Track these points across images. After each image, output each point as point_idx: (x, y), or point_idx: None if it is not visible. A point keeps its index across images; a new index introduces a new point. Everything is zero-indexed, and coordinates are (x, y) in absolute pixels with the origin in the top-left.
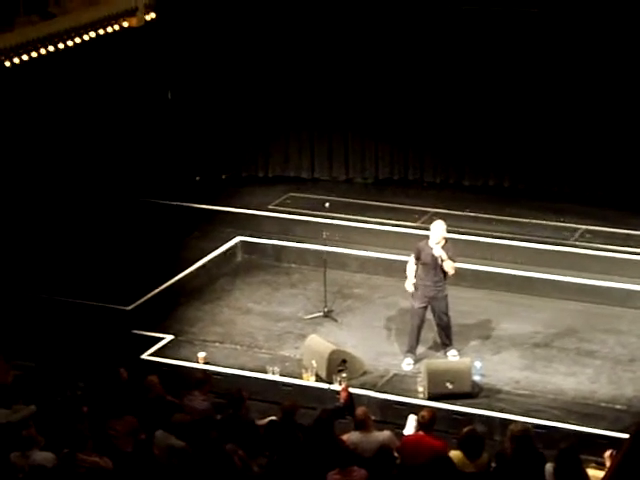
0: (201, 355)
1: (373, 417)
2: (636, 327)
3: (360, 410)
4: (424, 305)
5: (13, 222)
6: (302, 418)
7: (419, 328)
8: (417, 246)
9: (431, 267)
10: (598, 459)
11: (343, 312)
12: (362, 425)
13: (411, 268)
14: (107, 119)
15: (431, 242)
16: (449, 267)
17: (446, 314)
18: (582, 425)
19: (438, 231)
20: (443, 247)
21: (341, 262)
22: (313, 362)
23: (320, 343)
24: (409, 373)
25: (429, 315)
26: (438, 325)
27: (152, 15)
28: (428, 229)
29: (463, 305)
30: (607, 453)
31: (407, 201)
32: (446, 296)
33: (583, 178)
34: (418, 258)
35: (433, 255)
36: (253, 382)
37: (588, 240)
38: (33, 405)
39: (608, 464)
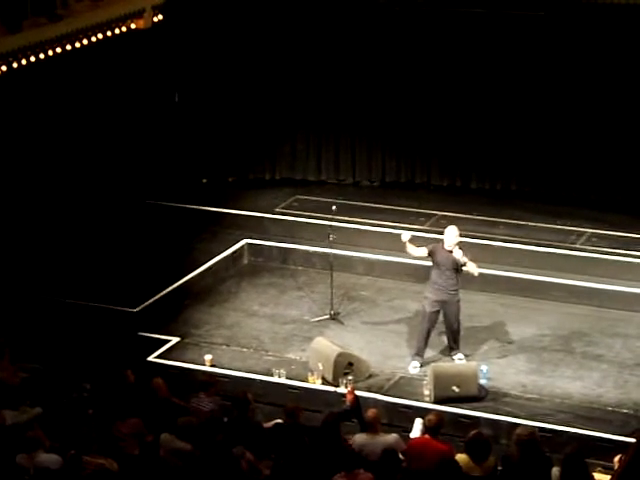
0: (207, 357)
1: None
2: None
3: (371, 412)
4: (436, 309)
5: (21, 224)
6: (308, 421)
7: (429, 332)
8: (432, 245)
9: (445, 269)
10: (604, 463)
11: (349, 315)
12: (371, 426)
13: (414, 248)
14: (114, 121)
15: (446, 246)
16: (474, 268)
17: (457, 319)
18: (588, 429)
19: (451, 236)
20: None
21: (348, 265)
22: (319, 365)
23: (326, 346)
24: (415, 376)
25: (439, 318)
26: (448, 329)
27: (159, 17)
28: (434, 232)
29: (470, 308)
30: (616, 458)
31: (414, 204)
32: (459, 301)
33: (590, 182)
34: (430, 255)
35: (448, 258)
36: (259, 385)
37: (595, 244)
38: (39, 407)
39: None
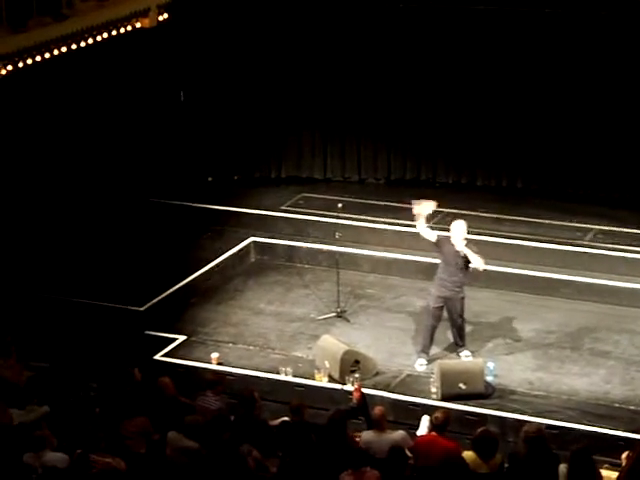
0: (214, 356)
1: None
2: None
3: (378, 409)
4: (440, 305)
5: (27, 223)
6: (315, 419)
7: (433, 328)
8: (440, 237)
9: (451, 264)
10: (612, 460)
11: (356, 312)
12: (377, 424)
13: (426, 229)
14: (120, 120)
15: (452, 241)
16: (479, 263)
17: (461, 316)
18: (596, 426)
19: (459, 230)
20: (466, 246)
21: (354, 262)
22: (326, 363)
23: (333, 343)
24: (422, 373)
25: (444, 315)
26: (452, 326)
27: (165, 16)
28: (440, 229)
29: (476, 305)
30: (624, 454)
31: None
32: (463, 298)
33: (596, 179)
34: (436, 245)
35: (454, 253)
36: (266, 383)
37: (601, 240)
38: (46, 406)
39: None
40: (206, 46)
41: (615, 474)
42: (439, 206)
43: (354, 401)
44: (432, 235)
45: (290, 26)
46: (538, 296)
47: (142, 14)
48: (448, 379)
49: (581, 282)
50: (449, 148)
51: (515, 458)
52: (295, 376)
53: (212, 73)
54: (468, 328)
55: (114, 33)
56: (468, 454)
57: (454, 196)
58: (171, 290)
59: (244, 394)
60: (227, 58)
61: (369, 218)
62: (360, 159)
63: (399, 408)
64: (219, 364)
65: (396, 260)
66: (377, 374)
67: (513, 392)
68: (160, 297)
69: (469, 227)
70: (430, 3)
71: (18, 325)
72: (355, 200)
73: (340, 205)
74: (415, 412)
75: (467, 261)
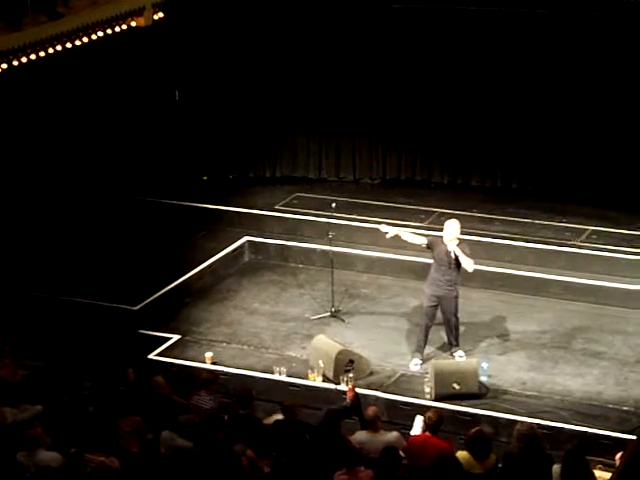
0: (208, 355)
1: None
2: None
3: (371, 410)
4: (434, 304)
5: (21, 221)
6: (309, 418)
7: (428, 328)
8: (434, 238)
9: (444, 264)
10: (605, 460)
11: (350, 312)
12: (371, 425)
13: (412, 236)
14: (114, 119)
15: (445, 240)
16: (468, 264)
17: (455, 315)
18: (589, 426)
19: (451, 230)
20: (458, 246)
21: (348, 262)
22: (320, 362)
23: (327, 343)
24: (416, 373)
25: (439, 315)
26: (446, 325)
27: (160, 14)
28: (435, 229)
29: (470, 306)
30: (618, 455)
31: (414, 201)
32: (456, 297)
33: (590, 180)
34: (429, 248)
35: (446, 252)
36: (260, 382)
37: (595, 241)
38: (40, 405)
39: None
40: (201, 45)
41: (608, 474)
42: (434, 206)
43: (348, 401)
44: (421, 240)
45: (285, 26)
46: (532, 296)
47: (137, 13)
48: (442, 379)
49: (574, 282)
50: (444, 148)
51: (509, 458)
52: (289, 376)
53: (207, 72)
54: (462, 328)
55: (109, 32)
56: (462, 454)
57: (449, 196)
58: (165, 289)
59: (242, 390)
60: (222, 57)
61: (364, 218)
62: (355, 159)
63: (393, 408)
64: (213, 363)
65: (390, 260)
66: (371, 374)
67: (506, 392)
68: (154, 296)
69: (464, 227)
70: (424, 4)
71: (12, 324)
72: (350, 200)
73: (333, 205)
74: (409, 412)
75: (453, 257)
